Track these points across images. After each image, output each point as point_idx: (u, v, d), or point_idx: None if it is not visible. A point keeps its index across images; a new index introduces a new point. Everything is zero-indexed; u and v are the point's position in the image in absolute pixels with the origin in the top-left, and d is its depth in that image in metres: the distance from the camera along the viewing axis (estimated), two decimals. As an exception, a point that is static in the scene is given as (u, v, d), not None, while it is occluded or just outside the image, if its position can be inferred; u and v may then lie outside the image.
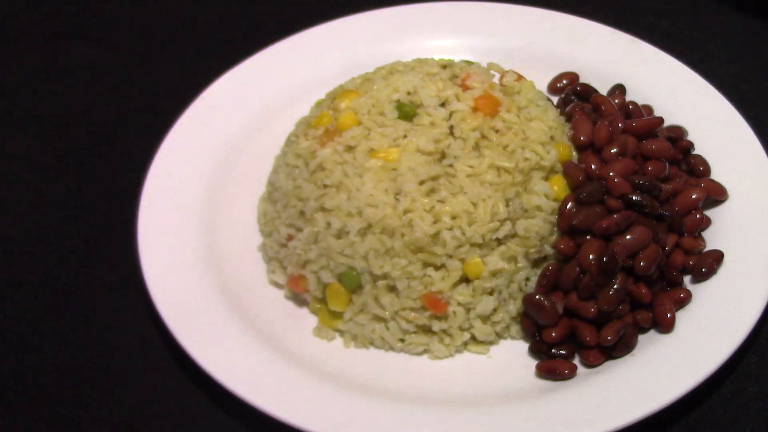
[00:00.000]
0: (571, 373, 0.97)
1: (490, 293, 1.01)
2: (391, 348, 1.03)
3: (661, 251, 1.00)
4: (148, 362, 1.03)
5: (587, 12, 1.34)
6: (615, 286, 0.97)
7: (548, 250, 1.03)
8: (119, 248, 1.14)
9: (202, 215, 1.13)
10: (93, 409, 1.00)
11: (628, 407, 0.90)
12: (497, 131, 1.06)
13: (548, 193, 1.04)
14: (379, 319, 1.02)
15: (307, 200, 1.05)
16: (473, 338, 1.02)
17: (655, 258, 0.98)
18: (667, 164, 1.07)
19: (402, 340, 1.02)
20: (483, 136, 1.05)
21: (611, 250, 0.97)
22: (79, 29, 1.52)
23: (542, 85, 1.23)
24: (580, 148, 1.09)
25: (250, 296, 1.06)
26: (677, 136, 1.13)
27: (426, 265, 1.00)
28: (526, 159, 1.04)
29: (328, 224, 1.02)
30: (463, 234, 0.99)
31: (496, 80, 1.14)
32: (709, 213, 1.07)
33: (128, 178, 1.22)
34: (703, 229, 1.06)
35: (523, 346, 1.02)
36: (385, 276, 1.01)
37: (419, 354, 1.02)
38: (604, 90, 1.22)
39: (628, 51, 1.28)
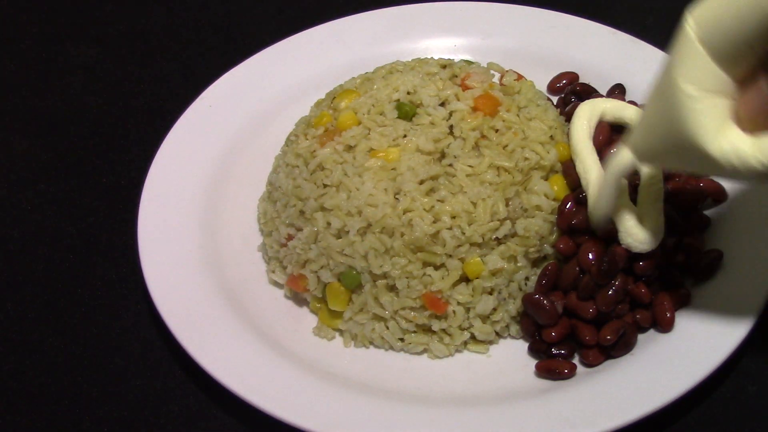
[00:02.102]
0: (571, 373, 0.96)
1: (490, 293, 1.01)
2: (391, 347, 1.03)
3: (661, 251, 1.00)
4: (148, 362, 1.03)
5: (587, 12, 1.33)
6: (614, 287, 0.96)
7: (548, 249, 1.03)
8: (119, 248, 1.14)
9: (202, 215, 1.12)
10: (93, 408, 1.00)
11: (627, 407, 0.89)
12: (497, 131, 1.06)
13: (548, 193, 1.03)
14: (378, 318, 1.02)
15: (306, 200, 1.05)
16: (473, 337, 1.02)
17: (655, 258, 0.98)
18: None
19: (402, 340, 1.02)
20: (483, 136, 1.05)
21: (611, 250, 0.97)
22: (79, 29, 1.52)
23: (542, 85, 1.23)
24: (580, 147, 1.09)
25: (250, 296, 1.06)
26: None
27: (426, 264, 1.00)
28: (526, 159, 1.04)
29: (328, 224, 1.02)
30: (463, 233, 0.99)
31: (495, 80, 1.14)
32: (709, 213, 1.07)
33: (128, 178, 1.22)
34: (703, 229, 1.06)
35: (522, 346, 1.02)
36: (384, 275, 1.01)
37: (419, 353, 1.02)
38: (603, 90, 1.21)
39: (628, 51, 1.27)
